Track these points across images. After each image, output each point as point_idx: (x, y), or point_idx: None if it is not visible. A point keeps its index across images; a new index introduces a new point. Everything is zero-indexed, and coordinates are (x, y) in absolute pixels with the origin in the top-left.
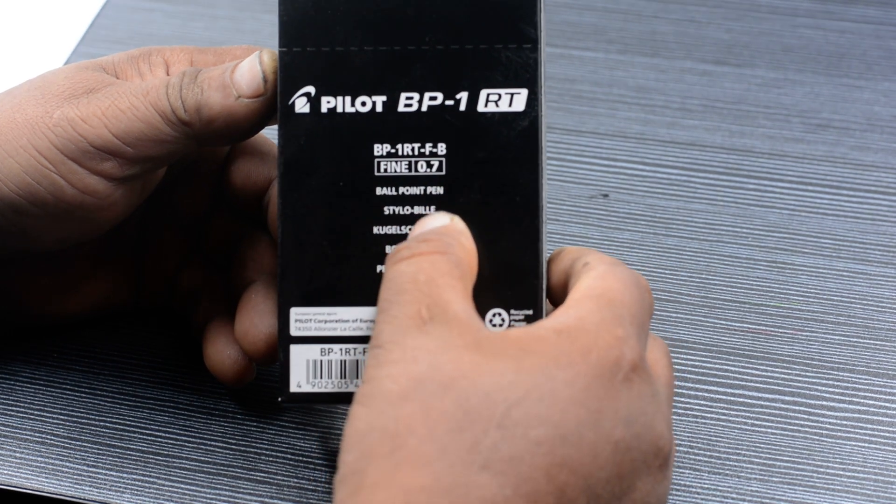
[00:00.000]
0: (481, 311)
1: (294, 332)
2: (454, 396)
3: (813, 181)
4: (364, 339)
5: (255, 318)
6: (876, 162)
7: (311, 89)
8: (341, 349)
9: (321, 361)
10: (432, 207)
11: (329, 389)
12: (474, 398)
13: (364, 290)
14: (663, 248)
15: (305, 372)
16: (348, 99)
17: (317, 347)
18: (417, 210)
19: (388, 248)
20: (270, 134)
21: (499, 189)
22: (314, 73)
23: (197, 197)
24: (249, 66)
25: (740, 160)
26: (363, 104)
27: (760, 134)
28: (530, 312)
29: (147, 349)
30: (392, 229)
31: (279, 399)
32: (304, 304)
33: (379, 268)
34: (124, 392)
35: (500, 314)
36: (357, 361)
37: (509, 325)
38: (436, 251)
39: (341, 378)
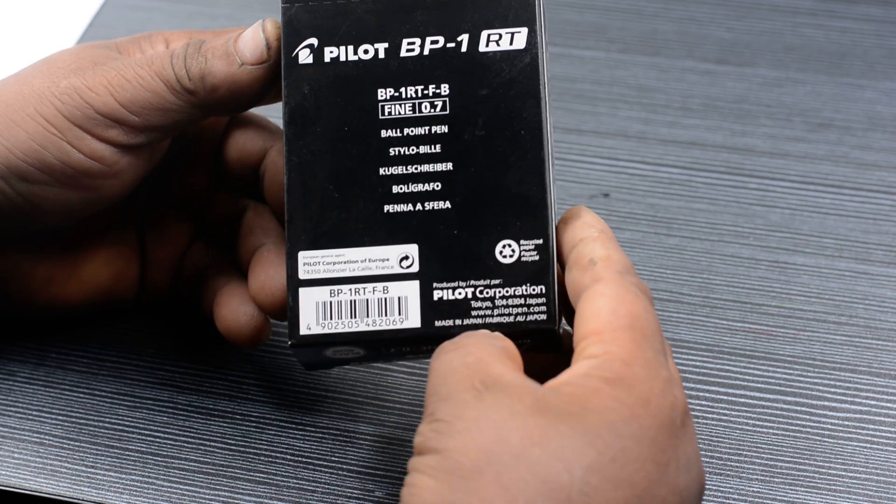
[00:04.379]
0: (491, 244)
1: (302, 275)
2: (528, 465)
3: (815, 180)
4: (373, 279)
5: (271, 271)
6: (878, 161)
7: (313, 41)
8: (351, 289)
9: (331, 303)
10: (437, 146)
11: (340, 330)
12: (548, 465)
13: (372, 230)
14: (664, 247)
15: (315, 314)
16: (350, 48)
17: (326, 289)
18: (423, 149)
19: (395, 188)
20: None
21: (503, 124)
22: (316, 25)
23: (197, 175)
24: (253, 34)
25: (742, 159)
26: (366, 52)
27: (762, 133)
28: (540, 242)
29: (145, 350)
30: (398, 169)
31: (289, 343)
32: (312, 247)
33: (386, 208)
34: (123, 392)
35: (510, 245)
36: (367, 301)
37: (520, 256)
38: (483, 339)
39: (352, 318)
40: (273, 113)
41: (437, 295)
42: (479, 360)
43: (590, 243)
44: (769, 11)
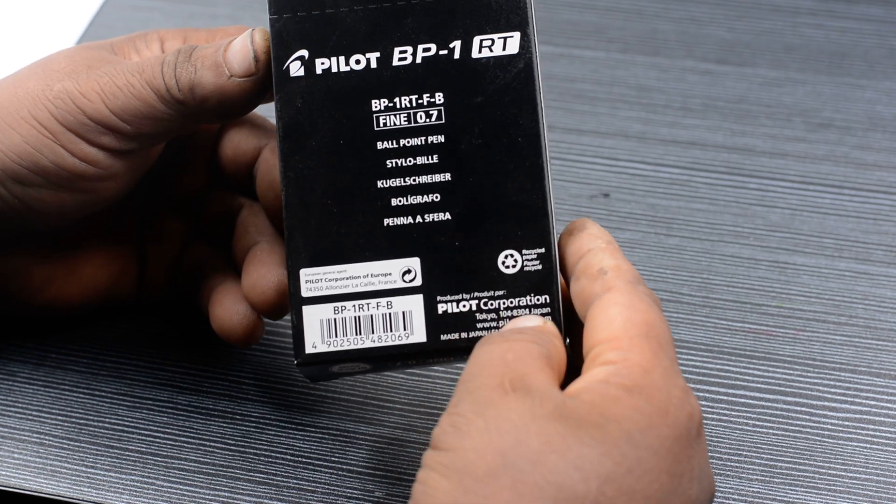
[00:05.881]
0: (493, 254)
1: (305, 293)
2: (545, 472)
3: (815, 181)
4: (377, 294)
5: (263, 270)
6: (878, 161)
7: (304, 53)
8: (355, 305)
9: (335, 320)
10: (435, 156)
11: (345, 347)
12: (565, 473)
13: (373, 245)
14: (664, 247)
15: (320, 332)
16: (342, 59)
17: (329, 306)
18: (420, 160)
19: (393, 201)
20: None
21: (500, 131)
22: (306, 37)
23: (194, 176)
24: (241, 46)
25: (742, 160)
26: (357, 62)
27: (762, 133)
28: (542, 250)
29: (145, 350)
30: (396, 182)
31: (296, 362)
32: (313, 264)
33: (386, 221)
34: (122, 393)
35: (512, 255)
36: (371, 316)
37: (523, 266)
38: (530, 341)
39: (357, 334)
40: (269, 111)
41: (441, 308)
42: (518, 360)
43: (598, 254)
44: (769, 11)
